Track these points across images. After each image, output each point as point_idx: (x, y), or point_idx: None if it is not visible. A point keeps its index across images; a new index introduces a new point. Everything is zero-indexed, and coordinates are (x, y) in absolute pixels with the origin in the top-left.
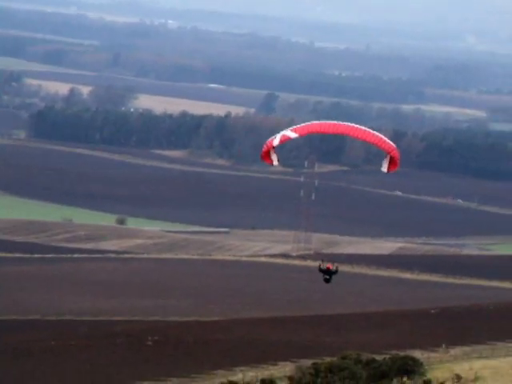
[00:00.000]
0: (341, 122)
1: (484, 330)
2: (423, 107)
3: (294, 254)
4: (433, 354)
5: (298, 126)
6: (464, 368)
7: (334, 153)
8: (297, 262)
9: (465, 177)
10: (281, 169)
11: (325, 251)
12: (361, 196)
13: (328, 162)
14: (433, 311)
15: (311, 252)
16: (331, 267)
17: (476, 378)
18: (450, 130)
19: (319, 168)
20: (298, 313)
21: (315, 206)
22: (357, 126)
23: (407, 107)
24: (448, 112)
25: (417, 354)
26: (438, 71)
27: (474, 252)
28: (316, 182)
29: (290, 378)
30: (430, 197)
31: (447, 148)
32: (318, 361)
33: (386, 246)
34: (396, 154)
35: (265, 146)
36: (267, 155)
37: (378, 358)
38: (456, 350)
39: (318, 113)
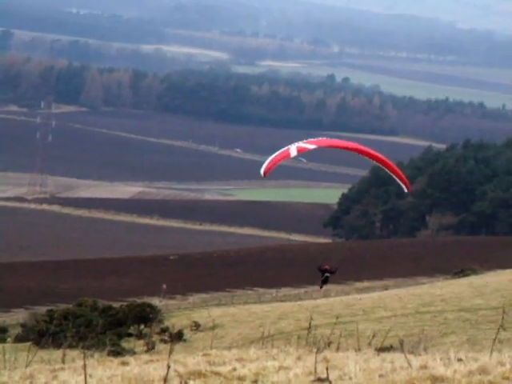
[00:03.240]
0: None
1: (223, 277)
2: (164, 48)
3: (30, 198)
4: (171, 301)
5: (317, 140)
6: (203, 315)
7: (71, 93)
8: (33, 206)
9: (206, 120)
10: (16, 109)
11: (62, 195)
12: (100, 138)
13: (66, 103)
14: (172, 257)
15: (47, 196)
16: (328, 268)
17: (215, 326)
18: (192, 72)
19: (56, 109)
20: (32, 258)
21: (52, 148)
22: (381, 155)
23: (148, 47)
24: (190, 53)
25: (155, 301)
26: (179, 11)
27: (215, 197)
28: (53, 124)
29: (23, 326)
30: (171, 140)
31: (189, 90)
32: (53, 308)
33: (126, 190)
34: (410, 190)
35: (272, 161)
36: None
37: (116, 305)
38: (195, 298)
39: (56, 51)
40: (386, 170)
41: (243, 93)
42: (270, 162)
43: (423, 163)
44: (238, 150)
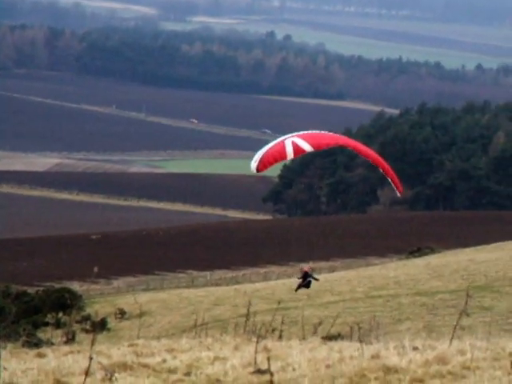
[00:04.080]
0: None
1: (151, 259)
2: (84, 2)
3: None
4: (93, 286)
5: (314, 135)
6: (129, 302)
7: None
8: None
9: (132, 83)
10: None
11: None
12: (11, 104)
13: None
14: (94, 237)
15: None
16: (308, 270)
17: (142, 313)
18: (115, 29)
19: None
20: None
21: None
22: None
23: (65, 2)
24: (112, 8)
25: (75, 285)
26: None
27: (142, 170)
28: None
29: None
30: (92, 106)
31: (111, 50)
32: None
33: (41, 161)
34: (401, 191)
35: (267, 160)
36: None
37: (31, 290)
38: (120, 282)
39: None
40: (380, 169)
41: (173, 53)
42: (264, 159)
43: (374, 130)
44: (194, 120)
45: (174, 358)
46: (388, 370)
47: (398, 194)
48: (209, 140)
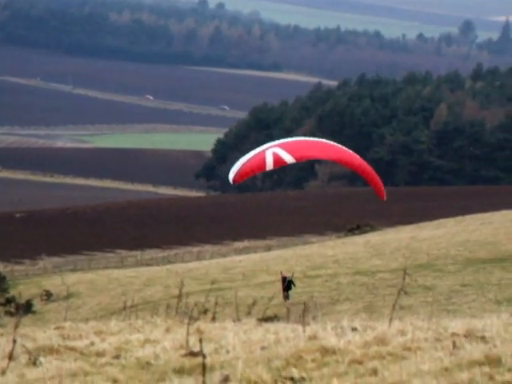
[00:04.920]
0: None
1: (78, 238)
2: None
3: None
4: (18, 267)
5: (298, 144)
6: (55, 283)
7: None
8: None
9: (57, 53)
10: None
11: None
12: None
13: None
14: (18, 215)
15: None
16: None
17: (69, 295)
18: None
19: None
20: None
21: None
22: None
23: None
24: None
25: None
26: None
27: (69, 145)
28: None
29: None
30: (15, 77)
31: (35, 18)
32: None
33: None
34: (384, 197)
35: (245, 172)
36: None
37: None
38: (46, 262)
39: None
40: (365, 178)
41: (100, 22)
42: (241, 169)
43: (311, 103)
44: (150, 97)
45: (103, 340)
46: (326, 351)
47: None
48: (139, 113)
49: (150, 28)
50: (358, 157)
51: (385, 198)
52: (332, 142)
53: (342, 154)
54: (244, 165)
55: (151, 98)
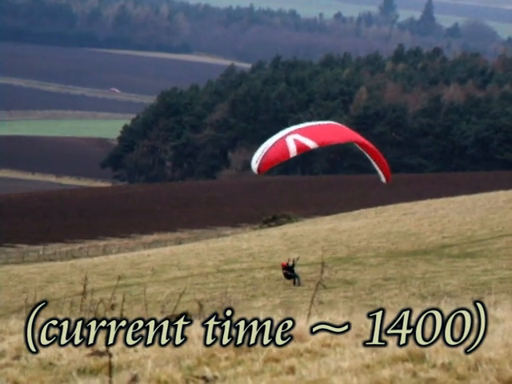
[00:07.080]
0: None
1: None
2: None
3: None
4: None
5: (315, 130)
6: None
7: None
8: None
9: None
10: None
11: None
12: None
13: None
14: None
15: None
16: (284, 263)
17: None
18: None
19: None
20: None
21: None
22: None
23: None
24: None
25: None
26: None
27: None
28: None
29: None
30: None
31: None
32: None
33: None
34: (390, 180)
35: (268, 161)
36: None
37: None
38: None
39: None
40: (374, 159)
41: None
42: (265, 158)
43: (224, 87)
44: (116, 90)
45: (2, 340)
46: (240, 349)
47: (384, 181)
48: (40, 99)
49: (51, 7)
50: (371, 143)
51: (390, 180)
52: (340, 124)
53: (355, 136)
54: (267, 153)
55: (117, 91)
